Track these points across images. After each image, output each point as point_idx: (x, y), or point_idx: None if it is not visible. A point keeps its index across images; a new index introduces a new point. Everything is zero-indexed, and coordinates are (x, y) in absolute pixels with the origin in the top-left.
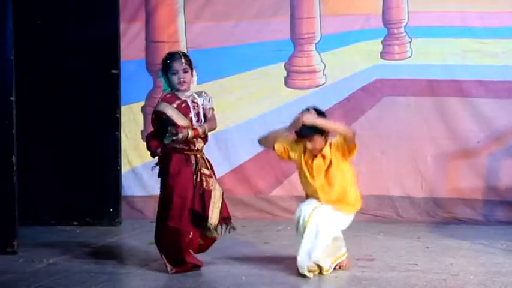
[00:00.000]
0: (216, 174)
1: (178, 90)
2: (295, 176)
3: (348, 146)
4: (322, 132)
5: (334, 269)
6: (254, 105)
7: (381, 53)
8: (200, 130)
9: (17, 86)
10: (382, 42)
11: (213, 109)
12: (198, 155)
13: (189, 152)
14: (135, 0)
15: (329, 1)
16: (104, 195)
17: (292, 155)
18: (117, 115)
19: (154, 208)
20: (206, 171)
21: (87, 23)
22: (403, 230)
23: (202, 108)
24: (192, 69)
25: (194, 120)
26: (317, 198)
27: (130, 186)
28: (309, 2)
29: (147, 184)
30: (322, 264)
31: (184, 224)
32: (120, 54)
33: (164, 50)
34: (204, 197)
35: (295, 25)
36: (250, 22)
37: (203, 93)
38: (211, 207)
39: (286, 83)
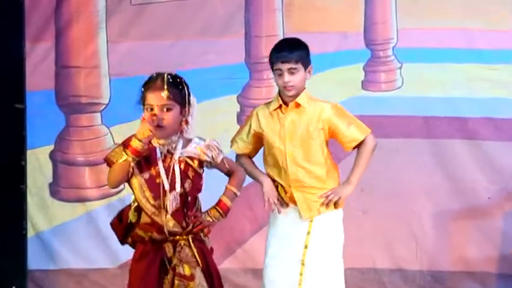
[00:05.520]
0: (212, 266)
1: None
2: (250, 244)
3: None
4: (307, 63)
5: None
6: None
7: (362, 82)
8: (229, 202)
9: None
10: (364, 68)
11: (225, 157)
12: (182, 242)
13: (158, 238)
14: (41, 13)
15: (295, 15)
16: (5, 268)
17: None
18: (23, 163)
19: (65, 285)
20: (185, 271)
21: None
22: None
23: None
24: (181, 103)
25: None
26: (284, 192)
27: (35, 257)
28: (268, 16)
29: (56, 255)
30: None
31: None
32: (26, 83)
33: (80, 78)
34: None
35: (251, 46)
36: (191, 41)
37: (196, 141)
38: None
39: (239, 121)
